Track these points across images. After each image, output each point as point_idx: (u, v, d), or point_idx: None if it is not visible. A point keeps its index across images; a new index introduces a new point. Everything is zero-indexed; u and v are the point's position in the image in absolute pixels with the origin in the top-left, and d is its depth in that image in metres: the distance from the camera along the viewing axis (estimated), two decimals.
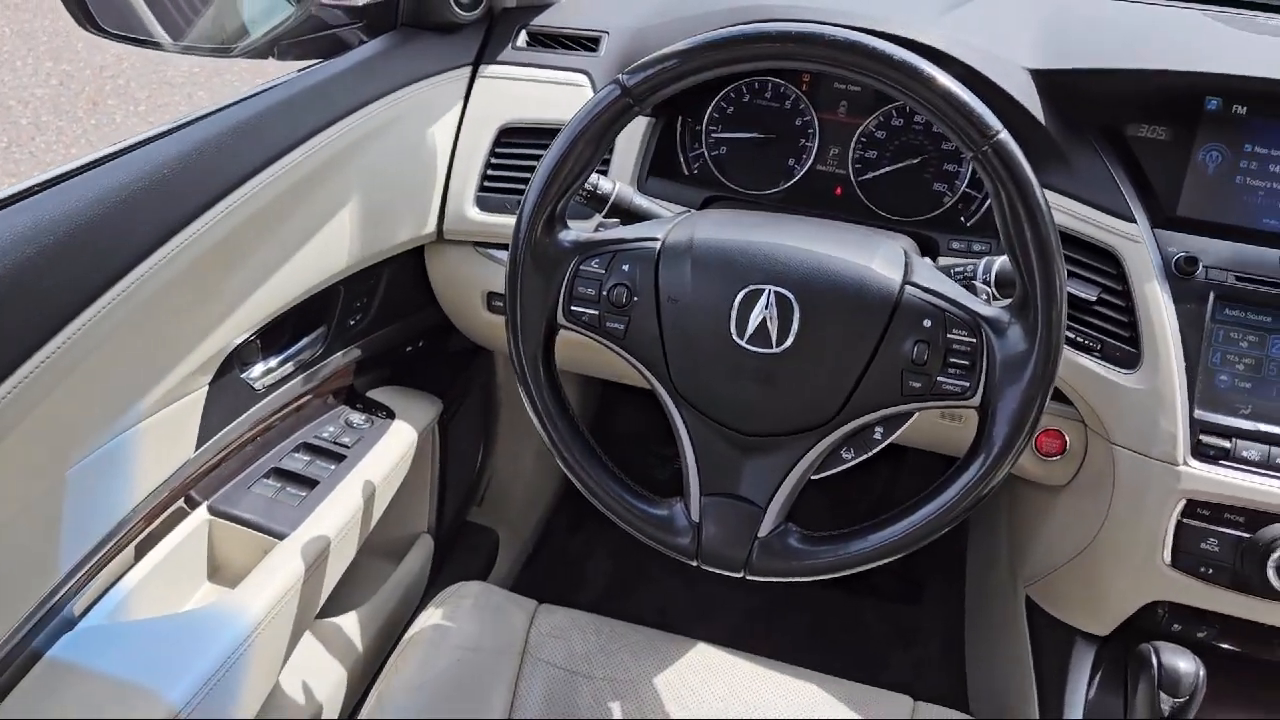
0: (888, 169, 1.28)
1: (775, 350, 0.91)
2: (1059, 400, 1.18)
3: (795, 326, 0.90)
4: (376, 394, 1.44)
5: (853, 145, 1.30)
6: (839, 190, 1.31)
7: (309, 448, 1.29)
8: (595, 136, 0.92)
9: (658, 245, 0.95)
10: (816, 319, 0.90)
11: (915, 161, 1.28)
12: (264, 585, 1.08)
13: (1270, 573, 1.02)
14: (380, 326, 1.41)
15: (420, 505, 1.54)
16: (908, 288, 0.91)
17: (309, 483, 1.23)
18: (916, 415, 0.94)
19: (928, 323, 0.89)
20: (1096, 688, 1.16)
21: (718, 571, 0.98)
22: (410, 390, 1.48)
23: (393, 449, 1.33)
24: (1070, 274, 1.13)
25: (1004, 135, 0.85)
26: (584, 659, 1.18)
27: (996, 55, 1.17)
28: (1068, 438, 1.20)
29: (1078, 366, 1.12)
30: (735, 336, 0.91)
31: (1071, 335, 1.12)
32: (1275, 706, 1.15)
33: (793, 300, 0.90)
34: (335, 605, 1.33)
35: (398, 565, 1.47)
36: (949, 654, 1.73)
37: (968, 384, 0.89)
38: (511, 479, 1.87)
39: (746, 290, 0.91)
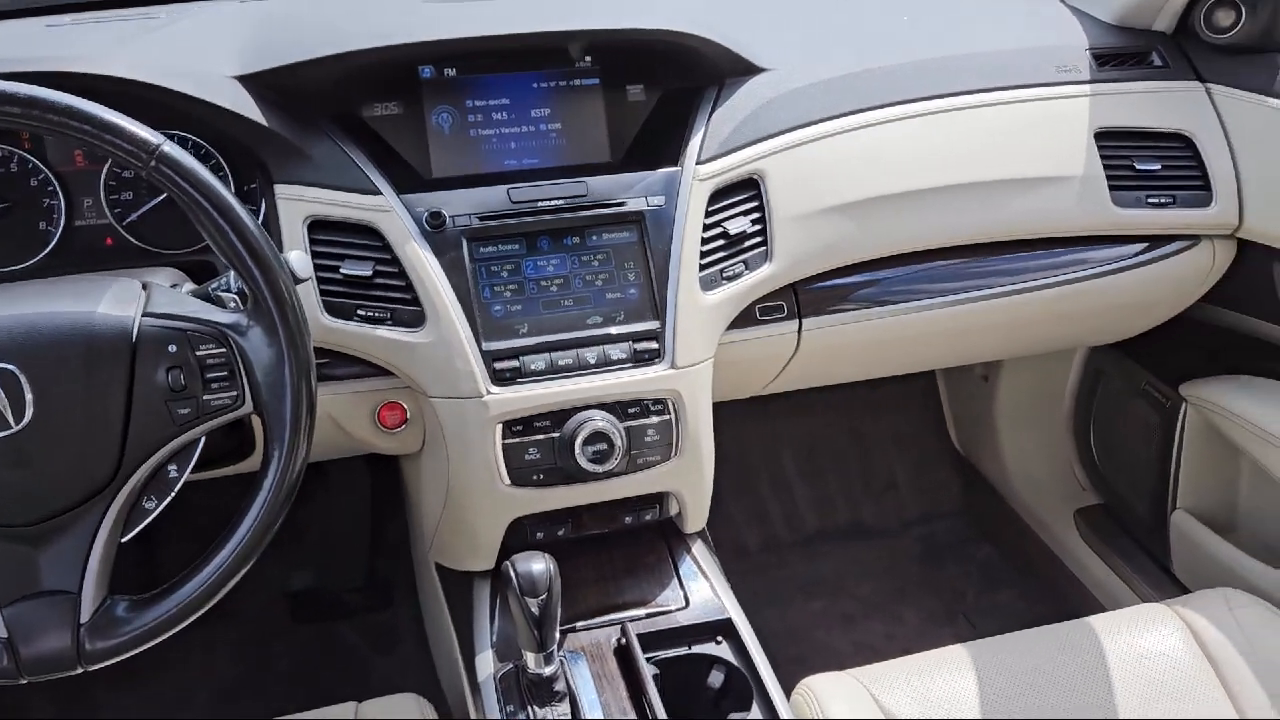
0: (149, 205, 1.24)
1: (16, 429, 0.84)
2: (386, 374, 1.24)
3: (30, 398, 0.84)
4: None
5: (103, 191, 1.23)
6: (110, 240, 1.24)
7: None
8: None
9: None
10: (51, 384, 0.85)
11: None
12: None
13: (580, 458, 1.16)
14: None
15: None
16: (144, 320, 0.89)
17: None
18: None
19: (173, 348, 0.88)
20: (498, 616, 1.25)
21: (54, 676, 0.90)
22: None
23: None
24: (344, 255, 1.18)
25: (167, 146, 0.85)
26: None
27: (199, 71, 1.16)
28: (406, 406, 1.26)
29: (378, 339, 1.17)
30: None
31: (364, 312, 1.17)
32: (632, 569, 1.32)
33: (17, 373, 0.84)
34: None
35: None
36: (424, 643, 1.77)
37: (235, 393, 0.90)
38: None
39: None
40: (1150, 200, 1.44)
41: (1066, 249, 1.47)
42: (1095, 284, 1.48)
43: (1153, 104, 1.46)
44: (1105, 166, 1.43)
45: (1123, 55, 1.50)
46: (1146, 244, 1.48)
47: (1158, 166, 1.45)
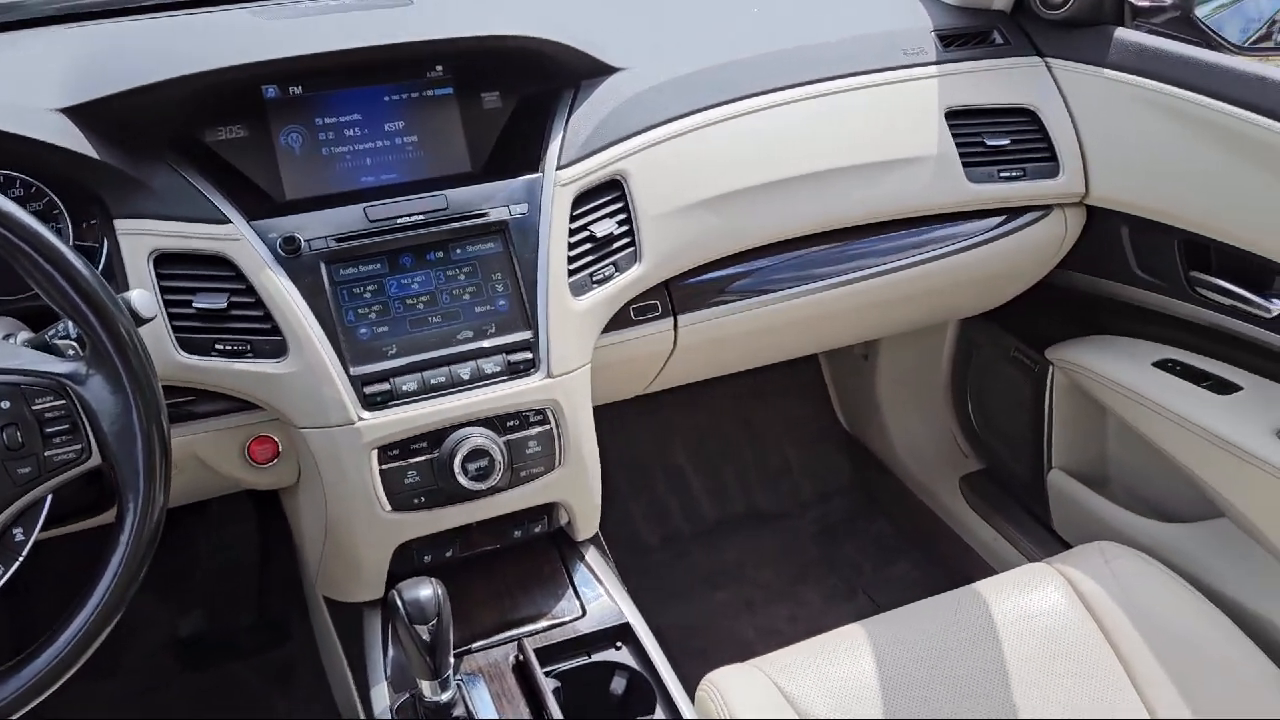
0: None
1: None
2: (253, 409, 1.19)
3: None
4: None
5: None
6: None
7: None
8: None
9: None
10: None
11: None
12: None
13: (461, 477, 1.13)
14: None
15: None
16: None
17: None
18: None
19: (6, 404, 0.83)
20: (391, 645, 1.21)
21: None
22: None
23: None
24: (196, 288, 1.13)
25: None
26: None
27: (19, 105, 1.10)
28: (277, 439, 1.21)
29: (239, 373, 1.13)
30: None
31: (222, 346, 1.12)
32: (526, 583, 1.30)
33: None
34: None
35: None
36: (324, 677, 1.72)
37: (80, 446, 0.85)
38: None
39: None
40: (1002, 174, 1.48)
41: (930, 227, 1.51)
42: (959, 258, 1.52)
43: (997, 81, 1.51)
44: (957, 144, 1.47)
45: (965, 35, 1.54)
46: (1004, 217, 1.53)
47: (1007, 141, 1.49)
